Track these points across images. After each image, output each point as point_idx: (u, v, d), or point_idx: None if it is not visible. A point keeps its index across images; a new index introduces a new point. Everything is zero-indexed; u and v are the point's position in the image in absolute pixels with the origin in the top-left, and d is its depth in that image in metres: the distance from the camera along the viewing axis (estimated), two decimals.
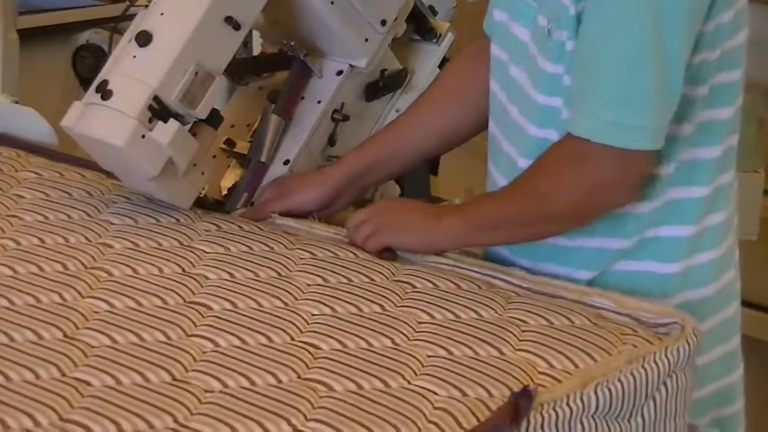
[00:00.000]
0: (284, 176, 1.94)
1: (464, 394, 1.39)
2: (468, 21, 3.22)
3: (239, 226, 1.79)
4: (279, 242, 1.74)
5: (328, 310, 1.56)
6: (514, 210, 1.66)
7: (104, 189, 1.89)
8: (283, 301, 1.58)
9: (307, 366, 1.43)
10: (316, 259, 1.70)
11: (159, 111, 1.71)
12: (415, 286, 1.64)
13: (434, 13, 2.17)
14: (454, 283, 1.65)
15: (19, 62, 2.76)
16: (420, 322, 1.54)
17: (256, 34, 2.22)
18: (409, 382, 1.41)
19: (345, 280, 1.64)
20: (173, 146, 1.72)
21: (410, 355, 1.46)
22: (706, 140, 1.66)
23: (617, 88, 1.56)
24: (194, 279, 1.62)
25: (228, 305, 1.56)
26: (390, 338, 1.50)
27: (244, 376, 1.40)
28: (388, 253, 1.73)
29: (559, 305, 1.61)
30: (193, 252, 1.69)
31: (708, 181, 1.68)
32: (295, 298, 1.58)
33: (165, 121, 1.71)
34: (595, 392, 1.41)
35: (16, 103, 2.22)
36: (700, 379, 1.68)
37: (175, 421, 1.31)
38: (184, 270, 1.64)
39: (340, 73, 2.00)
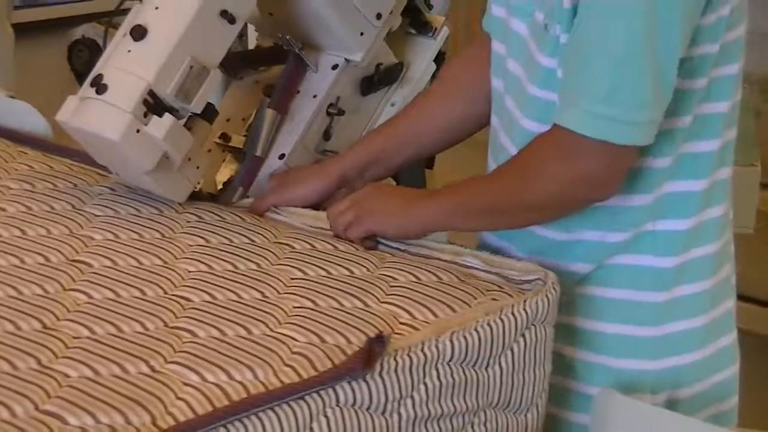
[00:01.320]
0: (285, 170, 1.93)
1: (323, 341, 1.45)
2: (463, 15, 3.21)
3: (132, 189, 1.84)
4: (169, 206, 1.80)
5: (204, 268, 1.62)
6: (495, 196, 1.67)
7: (8, 157, 1.95)
8: (162, 260, 1.63)
9: (175, 316, 1.49)
10: (202, 221, 1.75)
11: (154, 105, 1.72)
12: (293, 247, 1.69)
13: (429, 6, 2.17)
14: (332, 245, 1.71)
15: (15, 56, 2.73)
16: (292, 278, 1.60)
17: (251, 27, 2.23)
18: (271, 330, 1.47)
19: (226, 241, 1.70)
20: (168, 140, 1.72)
21: (277, 306, 1.52)
22: (704, 133, 1.65)
23: (610, 83, 1.55)
24: (80, 240, 1.68)
25: (108, 263, 1.61)
26: (260, 291, 1.56)
27: (113, 324, 1.46)
28: (370, 242, 1.74)
29: (431, 264, 1.67)
30: (82, 215, 1.75)
31: (706, 174, 1.67)
32: (175, 257, 1.64)
33: (160, 116, 1.72)
34: (451, 340, 1.47)
35: (12, 97, 2.22)
36: (700, 374, 1.72)
37: (39, 363, 1.37)
38: (71, 231, 1.70)
39: (335, 67, 2.00)
